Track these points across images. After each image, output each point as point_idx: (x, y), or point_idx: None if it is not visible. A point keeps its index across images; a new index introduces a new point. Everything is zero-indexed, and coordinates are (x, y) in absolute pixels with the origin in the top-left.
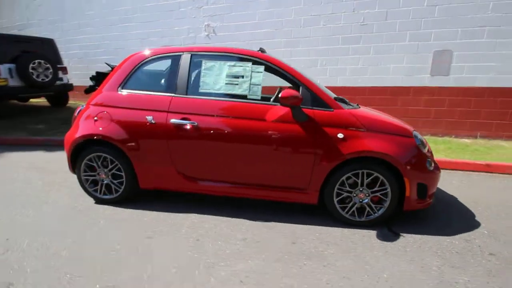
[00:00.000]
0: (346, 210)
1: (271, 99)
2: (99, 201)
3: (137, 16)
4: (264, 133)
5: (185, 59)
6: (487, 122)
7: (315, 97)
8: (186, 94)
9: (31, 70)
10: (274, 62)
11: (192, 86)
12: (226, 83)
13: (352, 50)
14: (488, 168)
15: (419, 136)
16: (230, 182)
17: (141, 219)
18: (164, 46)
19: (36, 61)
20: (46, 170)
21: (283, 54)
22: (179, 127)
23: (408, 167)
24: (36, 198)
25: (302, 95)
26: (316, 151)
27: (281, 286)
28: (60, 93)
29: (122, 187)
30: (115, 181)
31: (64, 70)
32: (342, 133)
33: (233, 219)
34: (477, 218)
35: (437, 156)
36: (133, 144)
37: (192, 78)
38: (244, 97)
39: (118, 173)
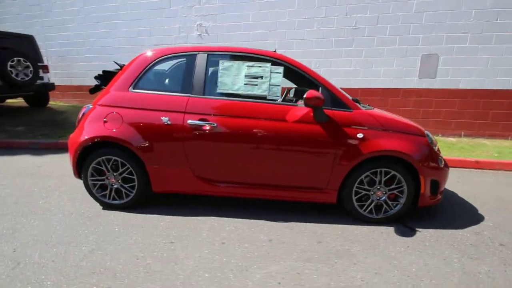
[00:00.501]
0: (364, 208)
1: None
2: (107, 206)
3: (126, 13)
4: (285, 134)
5: (202, 58)
6: (470, 122)
7: (334, 97)
8: (204, 95)
9: (9, 69)
10: (293, 63)
11: (209, 86)
12: (245, 84)
13: (345, 53)
14: (477, 165)
15: (430, 135)
16: (249, 184)
17: (157, 224)
18: (177, 46)
19: (15, 58)
20: (39, 175)
21: None
22: (197, 128)
23: (423, 165)
24: (36, 206)
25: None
26: (337, 151)
27: (319, 286)
28: (40, 93)
29: (134, 191)
30: (126, 185)
31: (45, 68)
32: (361, 133)
33: (253, 220)
34: (480, 211)
35: None
36: (147, 146)
37: (209, 78)
38: (262, 97)
39: (130, 176)
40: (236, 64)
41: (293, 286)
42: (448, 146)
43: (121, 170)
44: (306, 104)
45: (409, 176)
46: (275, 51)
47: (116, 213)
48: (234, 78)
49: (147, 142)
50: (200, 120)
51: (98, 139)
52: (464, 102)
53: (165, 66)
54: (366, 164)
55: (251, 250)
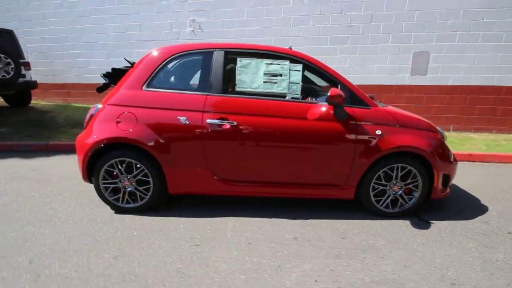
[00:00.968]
0: (381, 203)
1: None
2: (120, 211)
3: (113, 7)
4: (307, 131)
5: (219, 56)
6: (458, 117)
7: (353, 95)
8: (222, 93)
9: None
10: (312, 61)
11: (227, 84)
12: (265, 82)
13: (340, 50)
14: (471, 158)
15: (441, 130)
16: (270, 183)
17: (177, 227)
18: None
19: None
20: (36, 180)
21: None
22: (217, 127)
23: (437, 160)
24: (41, 213)
25: None
26: (356, 148)
27: (355, 281)
28: (22, 92)
29: (149, 193)
30: (140, 188)
31: (27, 65)
32: (380, 129)
33: (273, 219)
34: (482, 202)
35: None
36: (164, 147)
37: (227, 76)
38: (282, 96)
39: (144, 178)
40: (254, 61)
41: (331, 284)
42: None
43: (135, 172)
44: (329, 102)
45: (424, 171)
46: (290, 48)
47: (131, 217)
48: (252, 76)
49: (164, 142)
50: (219, 119)
51: (112, 140)
52: (453, 98)
53: (180, 63)
54: (384, 160)
55: (280, 249)
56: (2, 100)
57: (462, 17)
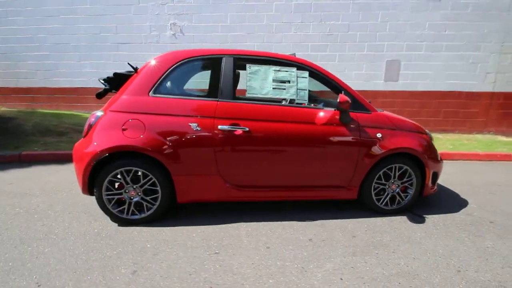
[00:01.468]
0: (381, 201)
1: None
2: (125, 223)
3: (85, 8)
4: (316, 136)
5: (228, 62)
6: (427, 119)
7: (355, 101)
8: (233, 99)
9: None
10: (317, 68)
11: (237, 90)
12: (274, 88)
13: (320, 57)
14: (442, 157)
15: (429, 132)
16: (280, 187)
17: (190, 236)
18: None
19: None
20: (16, 194)
21: None
22: (229, 133)
23: (428, 159)
24: (34, 230)
25: None
26: (360, 150)
27: (376, 276)
28: None
29: (157, 203)
30: (147, 198)
31: None
32: (380, 132)
33: (283, 222)
34: (462, 196)
35: None
36: (174, 154)
37: (237, 82)
38: (290, 101)
39: (152, 188)
40: (263, 68)
41: (356, 280)
42: None
43: (142, 181)
44: (338, 108)
45: (418, 170)
46: (294, 55)
47: (138, 229)
48: (262, 82)
49: (174, 150)
50: (231, 125)
51: (118, 149)
52: (422, 103)
53: (188, 69)
54: (384, 161)
55: (299, 251)
56: None
57: (427, 28)
